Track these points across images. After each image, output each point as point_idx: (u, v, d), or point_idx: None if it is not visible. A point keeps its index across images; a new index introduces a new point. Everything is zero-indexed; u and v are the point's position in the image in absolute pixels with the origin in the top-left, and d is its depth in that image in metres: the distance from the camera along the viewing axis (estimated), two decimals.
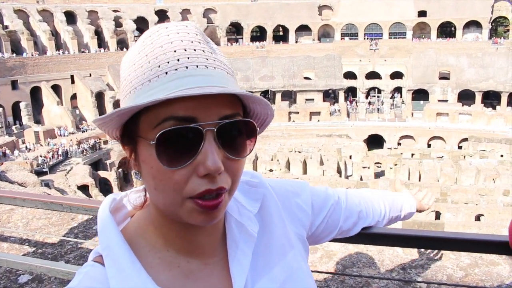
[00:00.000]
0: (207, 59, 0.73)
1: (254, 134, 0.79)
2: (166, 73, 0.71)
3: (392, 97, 51.73)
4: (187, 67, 0.71)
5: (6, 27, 47.66)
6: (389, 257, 2.73)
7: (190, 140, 0.71)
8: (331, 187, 1.21)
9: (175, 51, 0.72)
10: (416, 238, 1.59)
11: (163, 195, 0.74)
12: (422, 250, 2.73)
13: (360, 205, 1.24)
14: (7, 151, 32.27)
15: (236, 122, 0.74)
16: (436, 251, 2.66)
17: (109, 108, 44.41)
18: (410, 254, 2.74)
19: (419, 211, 1.50)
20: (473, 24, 55.37)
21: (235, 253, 0.86)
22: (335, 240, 1.25)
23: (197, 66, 0.72)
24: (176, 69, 0.71)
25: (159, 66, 0.72)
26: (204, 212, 0.73)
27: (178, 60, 0.72)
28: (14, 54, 46.50)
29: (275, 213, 0.97)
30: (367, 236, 1.33)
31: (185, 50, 0.73)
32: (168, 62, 0.71)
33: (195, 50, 0.73)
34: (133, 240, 0.83)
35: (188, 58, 0.72)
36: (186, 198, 0.73)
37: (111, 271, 0.76)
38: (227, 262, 0.86)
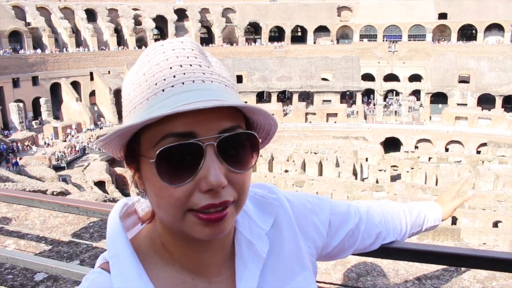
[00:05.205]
0: (203, 73, 0.72)
1: (257, 146, 0.77)
2: (163, 90, 0.70)
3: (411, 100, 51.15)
4: (183, 83, 0.70)
5: (29, 24, 48.40)
6: (404, 267, 2.69)
7: (191, 156, 0.69)
8: (354, 204, 1.15)
9: (171, 67, 0.72)
10: (433, 254, 1.54)
11: (165, 213, 0.73)
12: None
13: (379, 226, 1.19)
14: (16, 147, 32.71)
15: (236, 134, 0.73)
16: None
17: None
18: (425, 264, 2.69)
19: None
20: (495, 27, 54.45)
21: (242, 273, 0.84)
22: None
23: (193, 81, 0.71)
24: (172, 86, 0.70)
25: (156, 83, 0.71)
26: (209, 224, 0.72)
27: (174, 76, 0.71)
28: (38, 50, 47.17)
29: (288, 232, 0.94)
30: (382, 250, 1.28)
31: (181, 66, 0.72)
32: (164, 79, 0.71)
33: (191, 65, 0.72)
34: (142, 249, 0.82)
35: (184, 73, 0.71)
36: (187, 210, 0.71)
37: (116, 280, 0.76)
38: (233, 281, 0.84)
